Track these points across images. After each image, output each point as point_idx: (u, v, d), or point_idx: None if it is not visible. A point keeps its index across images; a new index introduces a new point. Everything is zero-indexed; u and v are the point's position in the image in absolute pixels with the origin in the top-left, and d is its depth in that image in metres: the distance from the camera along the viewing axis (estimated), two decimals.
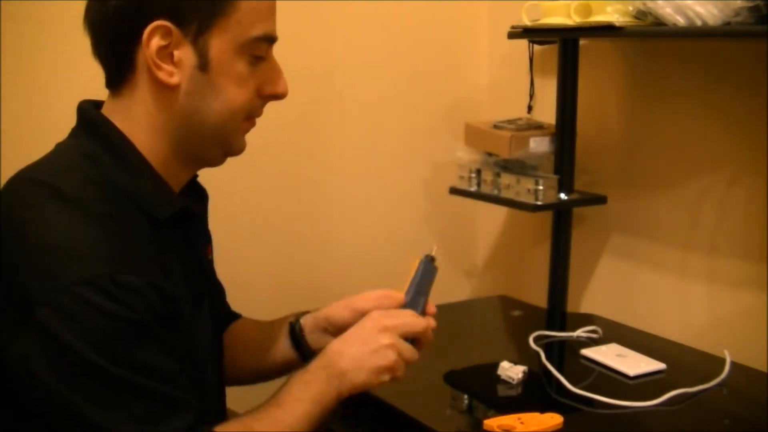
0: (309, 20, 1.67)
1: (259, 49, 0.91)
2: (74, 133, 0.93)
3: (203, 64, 0.87)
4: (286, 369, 1.10)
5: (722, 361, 1.28)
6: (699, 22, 1.20)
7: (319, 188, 1.80)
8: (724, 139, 1.43)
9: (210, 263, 1.07)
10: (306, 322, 1.10)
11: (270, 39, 0.92)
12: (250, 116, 0.94)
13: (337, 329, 1.05)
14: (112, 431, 0.76)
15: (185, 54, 0.86)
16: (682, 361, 1.36)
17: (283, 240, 1.75)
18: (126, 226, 0.83)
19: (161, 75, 0.86)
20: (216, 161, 0.96)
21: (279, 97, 0.95)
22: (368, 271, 1.83)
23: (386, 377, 0.96)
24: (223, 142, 0.93)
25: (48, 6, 1.41)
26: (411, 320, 1.01)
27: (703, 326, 1.48)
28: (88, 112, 0.92)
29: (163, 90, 0.87)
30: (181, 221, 0.92)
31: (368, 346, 0.95)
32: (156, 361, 0.79)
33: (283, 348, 1.11)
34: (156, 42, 0.85)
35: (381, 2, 1.80)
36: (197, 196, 1.02)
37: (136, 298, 0.77)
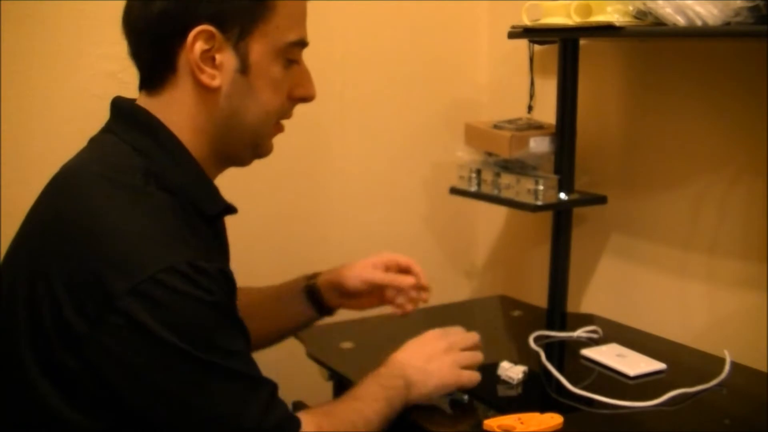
0: (309, 20, 1.66)
1: (293, 53, 0.94)
2: (112, 128, 0.93)
3: (244, 68, 0.90)
4: (305, 326, 1.28)
5: (722, 361, 1.28)
6: (699, 22, 1.20)
7: (318, 188, 1.80)
8: (724, 139, 1.43)
9: None
10: (320, 283, 1.25)
11: (303, 44, 0.95)
12: (281, 119, 0.98)
13: (349, 295, 1.24)
14: (208, 414, 0.78)
15: (227, 58, 0.89)
16: (682, 361, 1.36)
17: (282, 240, 1.75)
18: (188, 218, 0.86)
19: (204, 78, 0.88)
20: (245, 162, 1.00)
21: (308, 99, 0.99)
22: None
23: (450, 389, 1.12)
24: (255, 143, 0.97)
25: (48, 6, 1.41)
26: (463, 336, 1.19)
27: (703, 326, 1.48)
28: (133, 108, 0.92)
29: (205, 92, 0.90)
30: (220, 219, 0.98)
31: (434, 363, 1.11)
32: (238, 343, 0.83)
33: (302, 310, 1.25)
34: (200, 46, 0.87)
35: (381, 2, 1.80)
36: None
37: (213, 282, 0.79)
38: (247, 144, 0.96)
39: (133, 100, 0.94)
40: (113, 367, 0.76)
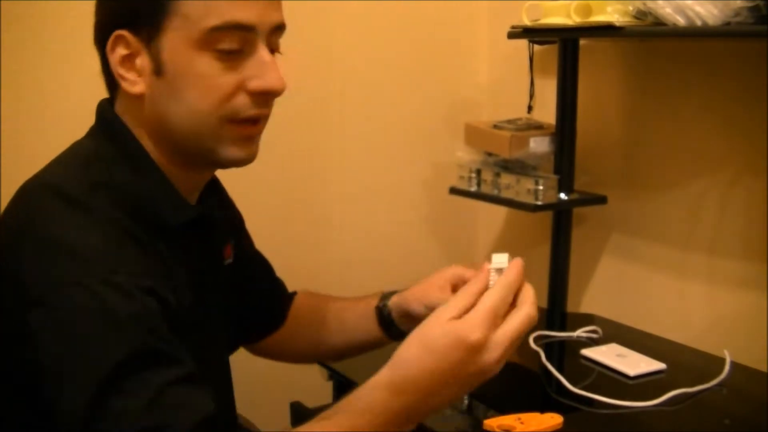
0: (309, 20, 1.66)
1: (224, 41, 0.82)
2: (91, 132, 0.91)
3: (158, 69, 0.83)
4: (376, 346, 1.12)
5: (722, 361, 1.28)
6: (699, 22, 1.20)
7: (318, 188, 1.80)
8: (724, 139, 1.43)
9: (230, 268, 1.03)
10: (391, 305, 1.09)
11: (237, 26, 0.82)
12: (233, 117, 0.84)
13: (416, 322, 0.94)
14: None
15: (144, 61, 0.83)
16: (682, 361, 1.36)
17: (282, 240, 1.75)
18: (130, 232, 0.81)
19: (125, 85, 0.84)
20: (216, 165, 0.90)
21: (269, 92, 0.85)
22: (368, 271, 1.83)
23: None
24: (206, 148, 0.86)
25: (48, 6, 1.41)
26: (501, 295, 0.82)
27: (703, 326, 1.48)
28: (106, 112, 0.90)
29: (134, 98, 0.85)
30: (197, 228, 0.89)
31: (451, 388, 0.79)
32: (142, 376, 0.72)
33: (371, 329, 1.11)
34: (119, 52, 0.84)
35: (381, 2, 1.80)
36: (217, 198, 1.01)
37: (127, 301, 0.74)
38: (198, 150, 0.86)
39: (113, 104, 0.91)
40: (27, 374, 0.75)
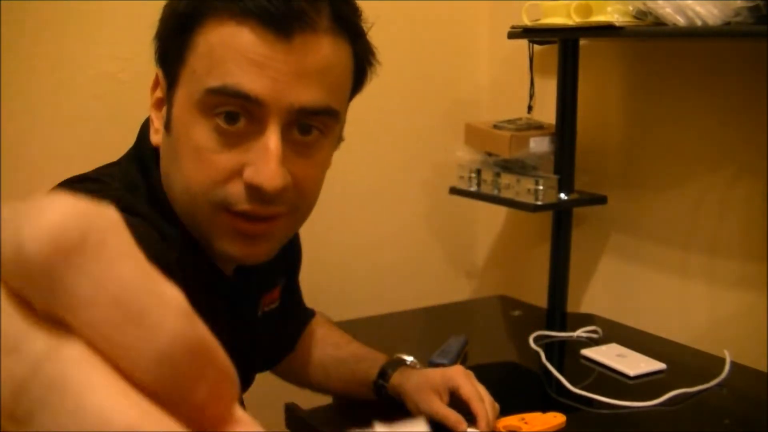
0: None
1: (223, 109, 0.69)
2: (127, 155, 0.82)
3: (168, 124, 0.73)
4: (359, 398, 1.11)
5: (722, 361, 1.28)
6: (699, 22, 1.20)
7: None
8: (724, 139, 1.43)
9: (271, 314, 0.98)
10: (390, 388, 1.06)
11: (239, 95, 0.68)
12: (230, 209, 0.71)
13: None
14: None
15: (165, 110, 0.74)
16: (682, 361, 1.36)
17: None
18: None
19: (151, 130, 0.76)
20: (219, 260, 0.78)
21: (259, 191, 0.70)
22: (368, 271, 1.83)
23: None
24: (200, 233, 0.75)
25: (48, 6, 1.41)
26: None
27: (703, 326, 1.48)
28: (142, 140, 0.80)
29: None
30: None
31: None
32: None
33: (367, 394, 1.09)
34: (156, 94, 0.76)
35: (381, 2, 1.80)
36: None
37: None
38: (195, 231, 0.75)
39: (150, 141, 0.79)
40: None
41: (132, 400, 0.16)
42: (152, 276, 0.17)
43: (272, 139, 0.70)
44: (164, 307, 0.17)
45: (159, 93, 0.75)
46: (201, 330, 0.17)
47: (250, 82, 0.69)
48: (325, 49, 0.73)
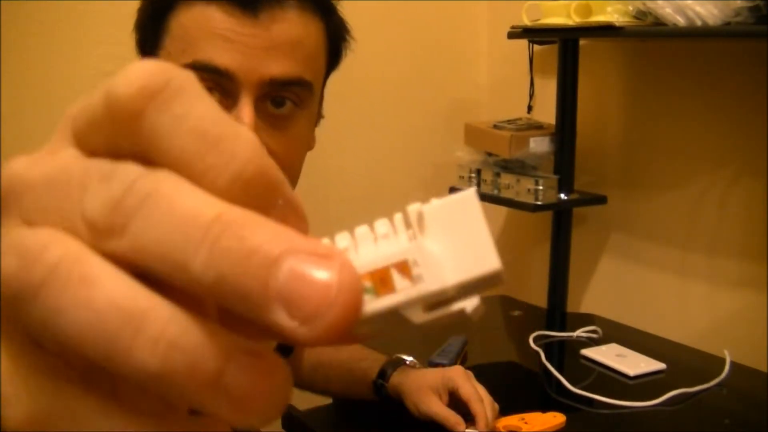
0: None
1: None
2: None
3: None
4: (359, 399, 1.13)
5: (722, 361, 1.28)
6: (699, 22, 1.20)
7: (318, 188, 1.80)
8: (724, 139, 1.43)
9: None
10: (390, 388, 1.08)
11: (211, 69, 0.72)
12: None
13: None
14: None
15: None
16: (682, 361, 1.36)
17: None
18: None
19: None
20: None
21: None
22: None
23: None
24: None
25: (48, 6, 1.41)
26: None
27: (703, 326, 1.48)
28: None
29: None
30: None
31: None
32: None
33: (366, 395, 1.11)
34: None
35: (381, 2, 1.80)
36: None
37: None
38: None
39: None
40: None
41: (218, 201, 0.19)
42: (225, 115, 0.20)
43: (244, 110, 0.73)
44: (238, 138, 0.19)
45: None
46: (270, 162, 0.20)
47: (220, 57, 0.72)
48: (293, 23, 0.76)
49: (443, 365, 1.16)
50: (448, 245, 0.21)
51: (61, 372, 0.19)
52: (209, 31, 0.72)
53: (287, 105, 0.78)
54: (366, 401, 1.12)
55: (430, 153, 1.91)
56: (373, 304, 0.20)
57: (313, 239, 0.20)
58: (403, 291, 0.20)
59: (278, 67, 0.75)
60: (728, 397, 1.21)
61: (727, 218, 1.43)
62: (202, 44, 0.73)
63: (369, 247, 0.21)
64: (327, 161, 1.80)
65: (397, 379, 1.07)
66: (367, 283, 0.20)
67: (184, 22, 0.74)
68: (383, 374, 1.08)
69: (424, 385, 1.04)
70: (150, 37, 0.77)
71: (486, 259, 0.22)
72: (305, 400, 1.20)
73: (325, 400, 1.22)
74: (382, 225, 0.22)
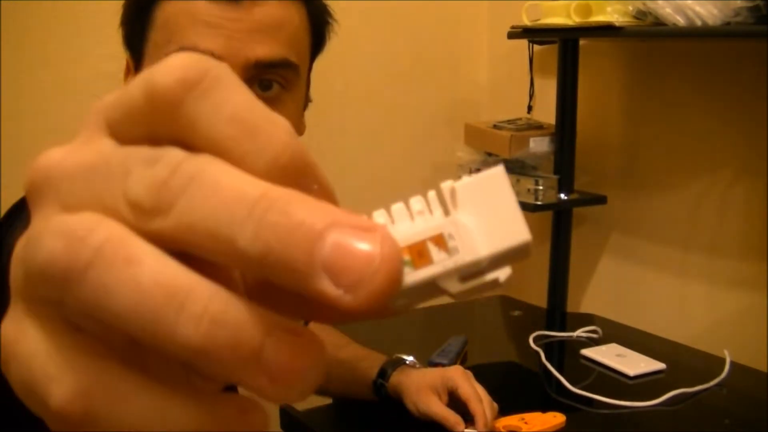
0: None
1: None
2: None
3: None
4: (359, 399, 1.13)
5: (722, 361, 1.28)
6: (699, 22, 1.20)
7: None
8: (724, 139, 1.43)
9: None
10: (390, 387, 1.09)
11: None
12: None
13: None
14: None
15: None
16: (682, 361, 1.36)
17: None
18: None
19: None
20: None
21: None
22: None
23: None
24: None
25: (48, 6, 1.41)
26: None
27: (703, 326, 1.48)
28: None
29: None
30: None
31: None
32: None
33: (366, 394, 1.11)
34: (129, 79, 0.79)
35: (381, 2, 1.80)
36: None
37: None
38: None
39: None
40: None
41: (261, 181, 0.19)
42: (261, 104, 0.21)
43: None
44: (274, 125, 0.20)
45: (131, 77, 0.78)
46: (305, 148, 0.21)
47: (204, 42, 0.74)
48: (274, 6, 0.77)
49: (443, 365, 1.16)
50: (480, 219, 0.23)
51: (102, 351, 0.20)
52: (193, 18, 0.74)
53: (274, 88, 0.79)
54: (366, 401, 1.12)
55: (430, 153, 1.91)
56: (412, 276, 0.21)
57: (354, 214, 0.20)
58: (440, 263, 0.21)
59: (263, 49, 0.76)
60: (728, 397, 1.21)
61: (727, 218, 1.43)
62: (186, 31, 0.74)
63: (405, 222, 0.22)
64: (327, 161, 1.80)
65: (396, 378, 1.07)
66: (406, 257, 0.21)
67: (169, 12, 0.75)
68: (383, 374, 1.09)
69: (424, 385, 1.04)
70: (137, 31, 0.78)
71: (516, 231, 0.23)
72: (303, 401, 1.20)
73: (325, 400, 1.22)
74: (417, 202, 0.23)
